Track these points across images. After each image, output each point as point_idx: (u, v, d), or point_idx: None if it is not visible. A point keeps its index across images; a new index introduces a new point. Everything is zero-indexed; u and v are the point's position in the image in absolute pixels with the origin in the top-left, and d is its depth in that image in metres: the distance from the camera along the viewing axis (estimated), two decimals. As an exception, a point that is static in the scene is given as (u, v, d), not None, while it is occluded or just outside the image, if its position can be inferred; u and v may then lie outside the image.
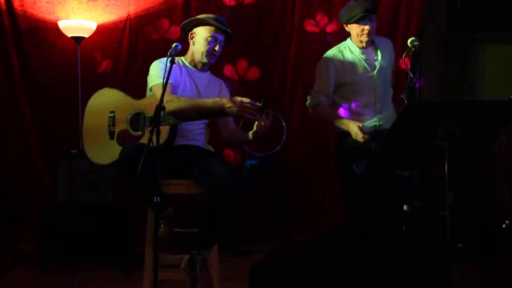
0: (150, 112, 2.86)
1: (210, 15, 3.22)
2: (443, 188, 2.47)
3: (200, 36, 3.19)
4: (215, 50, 3.18)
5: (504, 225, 3.88)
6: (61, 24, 4.29)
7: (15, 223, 4.33)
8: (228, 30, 3.20)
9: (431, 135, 2.44)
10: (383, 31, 4.35)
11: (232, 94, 4.52)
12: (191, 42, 3.25)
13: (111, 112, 3.14)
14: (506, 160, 4.17)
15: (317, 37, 4.60)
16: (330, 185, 4.58)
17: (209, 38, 3.16)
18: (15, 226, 4.32)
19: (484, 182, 4.17)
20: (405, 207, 3.00)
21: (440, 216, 2.52)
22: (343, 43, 3.63)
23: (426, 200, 3.20)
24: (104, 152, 3.12)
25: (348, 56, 3.55)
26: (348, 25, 3.54)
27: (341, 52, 3.58)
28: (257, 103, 2.88)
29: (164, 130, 2.93)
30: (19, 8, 4.43)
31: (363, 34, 3.48)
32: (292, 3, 4.58)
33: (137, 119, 3.07)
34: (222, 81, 3.39)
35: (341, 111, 3.55)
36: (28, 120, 4.44)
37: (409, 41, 3.23)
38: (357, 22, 3.46)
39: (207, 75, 3.31)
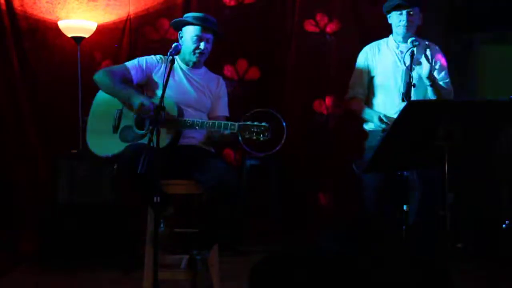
0: None
1: (197, 14, 3.26)
2: (443, 188, 2.47)
3: (187, 36, 3.25)
4: (201, 48, 3.22)
5: (504, 225, 3.88)
6: (61, 24, 4.29)
7: (15, 223, 4.33)
8: (214, 28, 3.24)
9: (431, 135, 2.44)
10: (384, 31, 4.35)
11: (232, 93, 4.54)
12: (180, 41, 3.29)
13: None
14: (506, 160, 4.17)
15: (317, 37, 4.61)
16: (330, 185, 4.58)
17: (195, 37, 3.21)
18: (15, 226, 4.31)
19: (484, 182, 4.17)
20: (405, 207, 3.00)
21: (440, 216, 2.52)
22: (386, 38, 3.61)
23: (426, 200, 3.20)
24: (104, 144, 3.13)
25: (384, 49, 3.56)
26: (389, 16, 3.51)
27: (378, 45, 3.60)
28: (263, 123, 2.87)
29: (169, 132, 2.95)
30: (19, 8, 4.42)
31: (399, 26, 3.44)
32: (292, 3, 4.58)
33: (143, 118, 3.08)
34: (220, 77, 3.41)
35: (371, 104, 3.56)
36: (28, 120, 4.44)
37: (409, 41, 3.23)
38: (394, 9, 3.43)
39: (201, 72, 3.32)
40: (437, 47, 3.59)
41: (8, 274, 3.75)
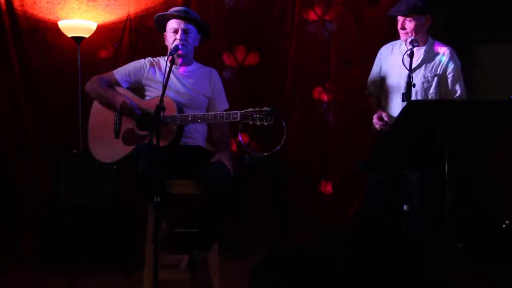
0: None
1: (179, 8, 3.24)
2: (443, 188, 2.47)
3: (167, 32, 3.23)
4: (178, 38, 3.15)
5: (504, 225, 3.88)
6: (61, 24, 4.29)
7: (15, 223, 4.32)
8: (190, 17, 3.19)
9: (431, 135, 2.44)
10: (384, 32, 4.35)
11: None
12: (166, 42, 3.27)
13: (118, 111, 3.15)
14: (506, 159, 4.17)
15: (317, 37, 4.61)
16: (330, 185, 4.59)
17: (172, 30, 3.19)
18: (15, 226, 4.31)
19: (484, 182, 4.17)
20: (405, 207, 3.01)
21: (440, 216, 2.52)
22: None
23: (426, 200, 3.20)
24: (108, 150, 3.13)
25: (396, 51, 3.55)
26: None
27: (393, 45, 3.60)
28: (265, 108, 2.86)
29: (171, 130, 2.95)
30: (19, 8, 4.42)
31: (400, 33, 3.45)
32: (292, 3, 4.58)
33: (143, 119, 3.08)
34: (214, 70, 3.36)
35: (382, 103, 3.57)
36: (28, 120, 4.43)
37: (408, 40, 3.23)
38: (391, 16, 3.46)
39: (191, 68, 3.29)
40: (448, 52, 3.46)
41: (8, 274, 3.75)
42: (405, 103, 3.35)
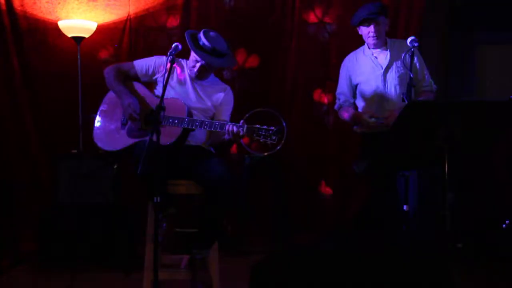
0: (167, 111, 2.88)
1: (207, 43, 3.14)
2: (443, 188, 2.47)
3: (192, 52, 3.21)
4: (194, 72, 3.19)
5: (504, 225, 3.88)
6: (61, 24, 4.29)
7: (16, 223, 4.32)
8: (214, 66, 3.21)
9: (431, 135, 2.44)
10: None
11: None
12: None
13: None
14: (506, 160, 4.17)
15: (317, 37, 4.61)
16: (330, 185, 4.59)
17: (194, 59, 3.19)
18: (15, 226, 4.31)
19: (484, 182, 4.17)
20: (405, 207, 3.01)
21: (440, 216, 2.52)
22: (362, 46, 3.69)
23: (426, 200, 3.20)
24: (110, 138, 3.15)
25: (361, 57, 3.66)
26: (358, 28, 3.58)
27: (356, 54, 3.71)
28: (271, 127, 2.85)
29: (176, 131, 2.95)
30: (19, 8, 4.42)
31: (369, 36, 3.55)
32: (292, 4, 4.58)
33: (152, 116, 3.10)
34: (228, 87, 3.35)
35: (357, 110, 3.67)
36: (28, 120, 4.43)
37: (408, 40, 3.24)
38: (361, 24, 3.54)
39: (207, 81, 3.29)
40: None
41: (8, 274, 3.75)
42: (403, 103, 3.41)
